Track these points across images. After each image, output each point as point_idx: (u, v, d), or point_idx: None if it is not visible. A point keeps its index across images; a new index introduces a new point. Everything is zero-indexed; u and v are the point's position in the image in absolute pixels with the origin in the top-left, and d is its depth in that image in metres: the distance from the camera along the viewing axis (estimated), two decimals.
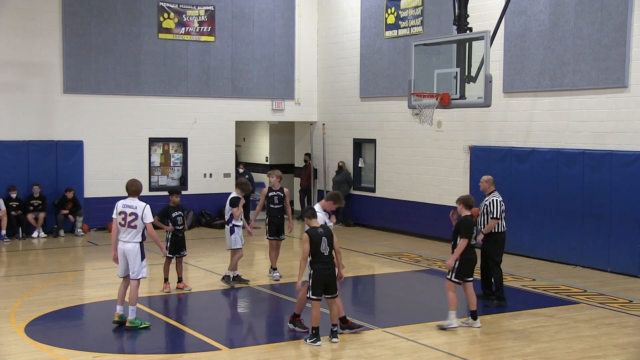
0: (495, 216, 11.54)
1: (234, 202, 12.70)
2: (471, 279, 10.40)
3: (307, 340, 9.52)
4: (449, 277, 10.36)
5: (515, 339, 9.90)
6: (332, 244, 9.57)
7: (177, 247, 12.45)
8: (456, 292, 10.29)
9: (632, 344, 9.73)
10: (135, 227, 10.09)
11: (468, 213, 10.39)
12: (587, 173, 14.64)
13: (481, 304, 11.71)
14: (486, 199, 11.78)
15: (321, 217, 9.93)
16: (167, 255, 12.36)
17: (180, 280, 12.58)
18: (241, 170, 21.25)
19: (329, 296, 9.56)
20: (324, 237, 9.51)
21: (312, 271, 9.45)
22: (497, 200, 11.64)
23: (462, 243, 10.19)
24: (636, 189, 13.84)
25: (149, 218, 10.10)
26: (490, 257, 11.70)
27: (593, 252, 14.58)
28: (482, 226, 11.69)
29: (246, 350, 9.37)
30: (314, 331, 9.51)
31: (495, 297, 11.76)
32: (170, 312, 11.55)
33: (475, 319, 10.36)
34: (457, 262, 10.26)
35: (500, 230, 11.65)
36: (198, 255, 15.83)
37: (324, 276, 9.43)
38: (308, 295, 9.53)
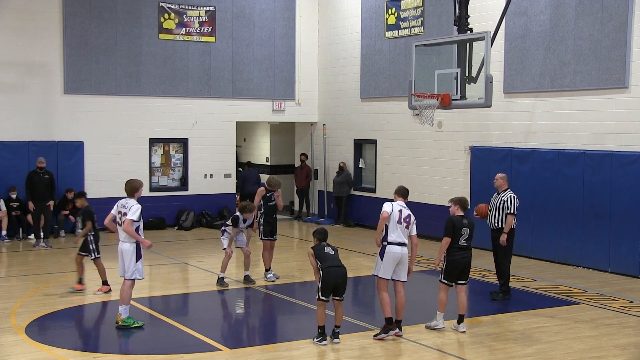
0: (512, 212, 11.87)
1: (234, 222, 12.91)
2: (463, 282, 10.29)
3: (314, 339, 9.57)
4: (439, 278, 10.37)
5: (515, 339, 9.90)
6: (336, 248, 9.73)
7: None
8: (447, 294, 10.24)
9: (633, 344, 9.72)
10: None
11: (461, 214, 10.38)
12: (587, 173, 14.64)
13: (489, 301, 11.98)
14: (501, 195, 12.08)
15: None
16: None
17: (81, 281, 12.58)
18: (247, 168, 21.27)
19: (337, 298, 9.58)
20: (327, 247, 9.67)
21: (322, 273, 9.48)
22: (514, 197, 12.00)
23: (442, 241, 10.20)
24: (636, 189, 13.84)
25: (131, 216, 10.07)
26: (505, 251, 12.01)
27: (593, 252, 14.58)
28: (496, 222, 12.00)
29: (246, 351, 9.37)
30: (319, 330, 9.55)
31: (501, 291, 12.10)
32: (170, 313, 11.53)
33: (460, 322, 10.24)
34: (445, 263, 10.25)
35: (513, 226, 12.03)
36: (198, 256, 15.82)
37: (333, 277, 9.42)
38: (317, 297, 9.55)
